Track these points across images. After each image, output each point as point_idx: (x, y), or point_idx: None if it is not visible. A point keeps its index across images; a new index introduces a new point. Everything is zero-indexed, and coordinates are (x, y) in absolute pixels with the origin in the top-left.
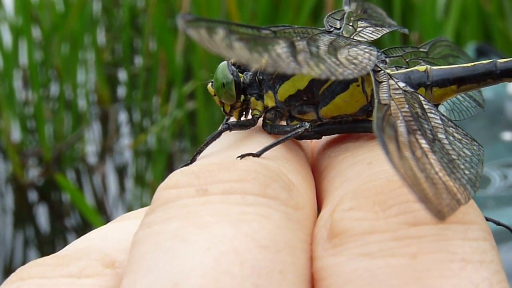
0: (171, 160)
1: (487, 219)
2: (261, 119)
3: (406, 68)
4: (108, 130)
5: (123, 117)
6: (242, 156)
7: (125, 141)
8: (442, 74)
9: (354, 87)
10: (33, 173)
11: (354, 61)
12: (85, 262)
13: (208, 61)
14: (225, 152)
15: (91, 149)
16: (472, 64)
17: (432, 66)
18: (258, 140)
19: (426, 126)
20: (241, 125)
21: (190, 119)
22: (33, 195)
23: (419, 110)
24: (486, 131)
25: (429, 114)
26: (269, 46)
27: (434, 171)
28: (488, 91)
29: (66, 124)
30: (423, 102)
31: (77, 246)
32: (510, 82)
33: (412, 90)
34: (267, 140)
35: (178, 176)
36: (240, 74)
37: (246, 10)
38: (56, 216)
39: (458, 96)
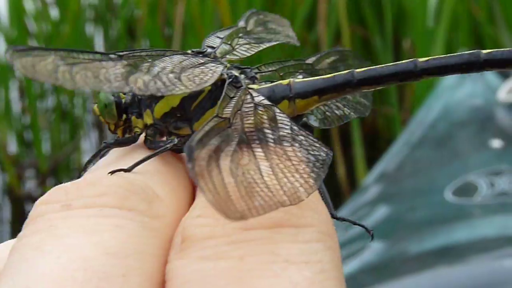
0: None
1: (343, 219)
2: (143, 136)
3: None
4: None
5: None
6: (113, 172)
7: None
8: (304, 86)
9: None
10: (30, 184)
11: (195, 78)
12: None
13: None
14: (102, 169)
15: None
16: (333, 75)
17: (296, 79)
18: (136, 157)
19: (270, 136)
20: (120, 143)
21: None
22: (30, 207)
23: (267, 122)
24: (474, 139)
25: (279, 125)
26: (102, 69)
27: (260, 175)
28: (478, 99)
29: (63, 134)
30: (277, 114)
31: None
32: (368, 90)
33: (267, 103)
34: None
35: (51, 192)
36: (122, 95)
37: (239, 17)
38: None
39: (332, 105)
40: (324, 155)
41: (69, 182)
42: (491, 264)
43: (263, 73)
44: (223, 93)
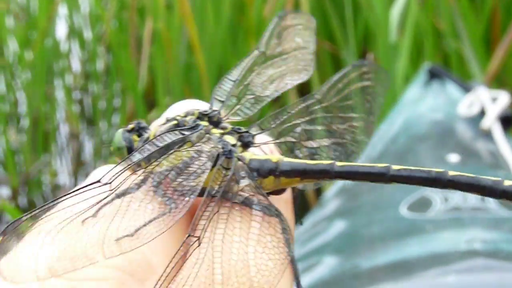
0: None
1: None
2: None
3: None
4: (79, 154)
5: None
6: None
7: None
8: (289, 167)
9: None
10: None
11: (171, 204)
12: None
13: (172, 88)
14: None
15: (62, 177)
16: (316, 162)
17: (285, 158)
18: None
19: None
20: None
21: None
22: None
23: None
24: (432, 153)
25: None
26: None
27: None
28: (438, 113)
29: (34, 149)
30: (253, 190)
31: None
32: (344, 180)
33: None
34: None
35: None
36: (136, 138)
37: (207, 37)
38: None
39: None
40: (286, 228)
41: None
42: (435, 280)
43: (261, 133)
44: (215, 167)
